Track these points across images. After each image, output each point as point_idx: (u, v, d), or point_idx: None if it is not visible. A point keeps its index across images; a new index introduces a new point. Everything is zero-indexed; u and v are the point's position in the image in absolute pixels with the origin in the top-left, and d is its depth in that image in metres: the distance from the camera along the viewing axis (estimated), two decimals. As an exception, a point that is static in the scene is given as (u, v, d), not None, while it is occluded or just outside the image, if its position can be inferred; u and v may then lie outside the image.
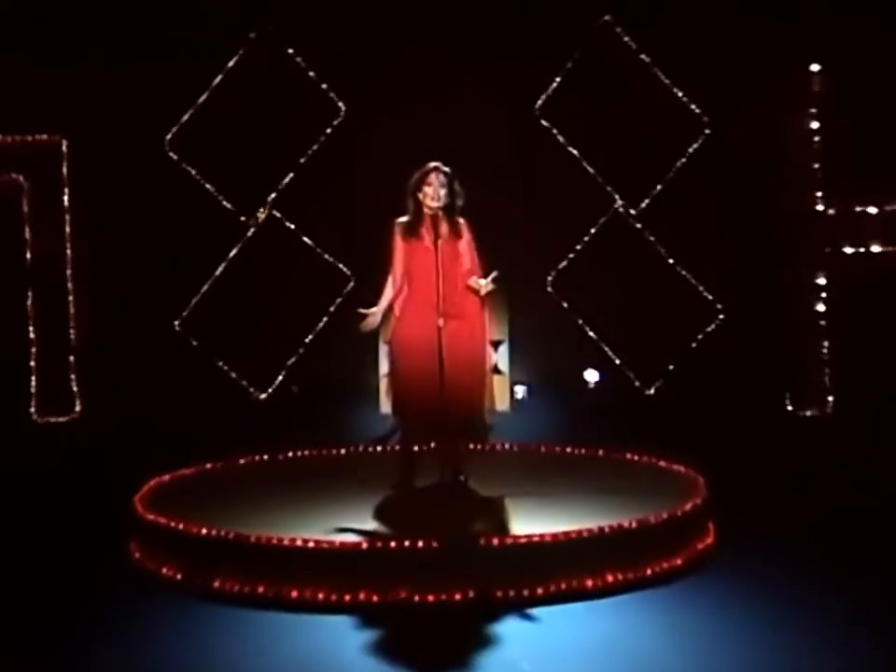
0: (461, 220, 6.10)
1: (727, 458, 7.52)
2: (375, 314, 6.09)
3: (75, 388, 9.84)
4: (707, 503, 5.90)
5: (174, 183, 9.96)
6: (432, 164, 6.05)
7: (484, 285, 5.96)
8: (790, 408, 9.69)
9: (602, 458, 7.17)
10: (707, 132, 10.07)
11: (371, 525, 5.56)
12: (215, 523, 5.42)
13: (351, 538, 5.24)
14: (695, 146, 10.08)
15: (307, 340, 10.24)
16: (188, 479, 6.79)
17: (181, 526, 5.49)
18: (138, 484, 6.39)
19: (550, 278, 10.33)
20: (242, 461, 7.21)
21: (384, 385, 9.02)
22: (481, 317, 6.12)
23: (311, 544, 5.09)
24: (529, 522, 5.46)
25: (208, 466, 7.04)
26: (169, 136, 10.05)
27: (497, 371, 9.55)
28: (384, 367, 8.98)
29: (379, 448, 7.32)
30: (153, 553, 5.65)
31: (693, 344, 10.13)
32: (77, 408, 9.85)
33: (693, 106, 10.08)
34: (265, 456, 7.32)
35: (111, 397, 9.56)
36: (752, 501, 6.71)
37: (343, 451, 7.55)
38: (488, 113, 9.80)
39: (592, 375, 10.46)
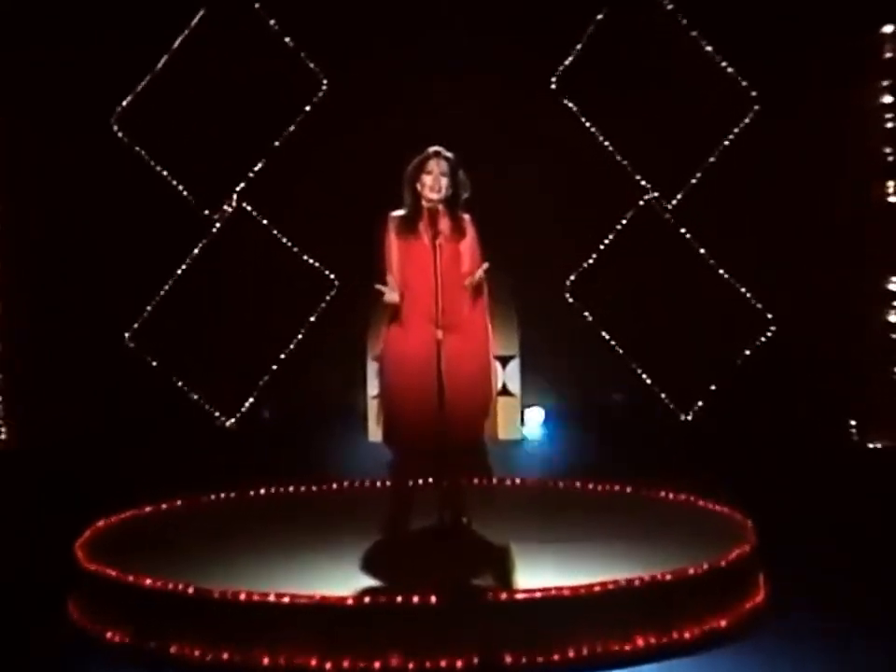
0: (465, 215, 6.10)
1: (780, 498, 7.52)
2: (394, 293, 6.00)
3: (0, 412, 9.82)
4: (756, 552, 5.87)
5: (122, 169, 10.01)
6: (432, 149, 6.03)
7: (476, 280, 5.94)
8: (855, 438, 9.68)
9: (631, 497, 7.15)
10: (756, 109, 10.07)
11: (357, 575, 5.53)
12: (172, 574, 5.36)
13: (334, 592, 5.19)
14: (742, 126, 10.08)
15: (282, 356, 10.26)
16: (139, 521, 6.73)
17: (131, 579, 5.43)
18: (79, 527, 6.33)
19: (568, 283, 10.36)
20: (205, 499, 7.19)
21: (373, 408, 9.00)
22: (487, 329, 6.12)
23: (286, 600, 5.05)
24: (544, 573, 5.44)
25: (164, 505, 6.99)
26: (116, 113, 10.04)
27: (505, 392, 9.59)
28: (373, 387, 8.99)
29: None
30: (96, 611, 5.59)
31: (739, 362, 10.14)
32: (3, 435, 9.82)
33: (739, 79, 10.08)
34: (232, 494, 7.30)
35: (46, 422, 9.52)
36: (810, 549, 6.67)
37: (324, 487, 7.54)
38: (498, 88, 9.86)
39: (618, 398, 10.43)
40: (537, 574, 5.43)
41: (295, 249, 10.27)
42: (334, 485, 7.55)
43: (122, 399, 9.72)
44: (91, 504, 6.85)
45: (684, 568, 5.39)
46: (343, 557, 5.76)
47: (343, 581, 5.39)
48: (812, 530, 7.13)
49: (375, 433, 7.89)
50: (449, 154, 6.03)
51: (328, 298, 10.27)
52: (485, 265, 5.95)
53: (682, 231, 10.26)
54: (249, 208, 10.26)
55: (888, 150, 9.60)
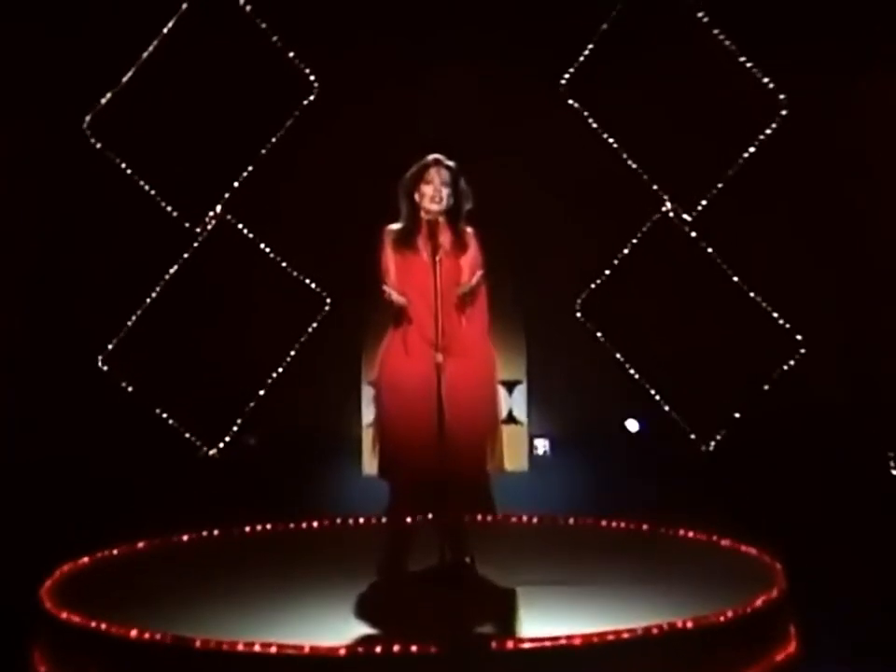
0: (468, 229, 6.11)
1: (811, 537, 7.47)
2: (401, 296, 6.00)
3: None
4: (786, 597, 5.82)
5: (96, 178, 9.98)
6: (432, 157, 6.05)
7: (465, 290, 5.95)
8: (894, 472, 9.63)
9: (647, 535, 7.13)
10: (785, 113, 10.05)
11: (350, 622, 5.50)
12: (148, 622, 5.32)
13: (325, 641, 5.15)
14: (768, 131, 10.06)
15: (269, 380, 10.23)
16: (111, 562, 6.69)
17: (104, 627, 5.39)
18: (46, 570, 6.29)
19: (580, 301, 10.33)
20: (185, 538, 7.14)
21: (368, 437, 8.93)
22: (491, 352, 6.13)
23: (273, 650, 5.01)
24: (553, 619, 5.41)
25: (140, 545, 6.96)
26: (89, 118, 10.03)
27: (511, 420, 9.61)
28: (368, 415, 8.93)
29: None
30: (65, 663, 5.54)
31: (766, 387, 10.10)
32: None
33: (765, 79, 10.06)
34: (215, 532, 7.27)
35: (9, 451, 9.48)
36: (846, 595, 6.63)
37: (314, 524, 7.52)
38: (503, 90, 9.82)
39: (633, 426, 10.40)
40: (545, 621, 5.40)
41: (283, 264, 10.25)
42: (325, 522, 7.53)
43: (94, 426, 9.65)
44: (57, 543, 6.80)
45: (707, 616, 5.34)
46: (334, 602, 5.73)
47: (335, 628, 5.35)
48: (847, 573, 7.04)
49: (370, 465, 7.79)
50: (450, 162, 6.04)
51: (318, 317, 10.23)
52: (479, 272, 5.97)
53: (703, 244, 10.23)
54: (234, 220, 10.22)
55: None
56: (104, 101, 10.09)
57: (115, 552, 6.80)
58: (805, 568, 6.30)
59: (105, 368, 10.12)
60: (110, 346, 10.14)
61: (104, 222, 9.91)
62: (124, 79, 10.07)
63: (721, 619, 5.36)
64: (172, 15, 10.07)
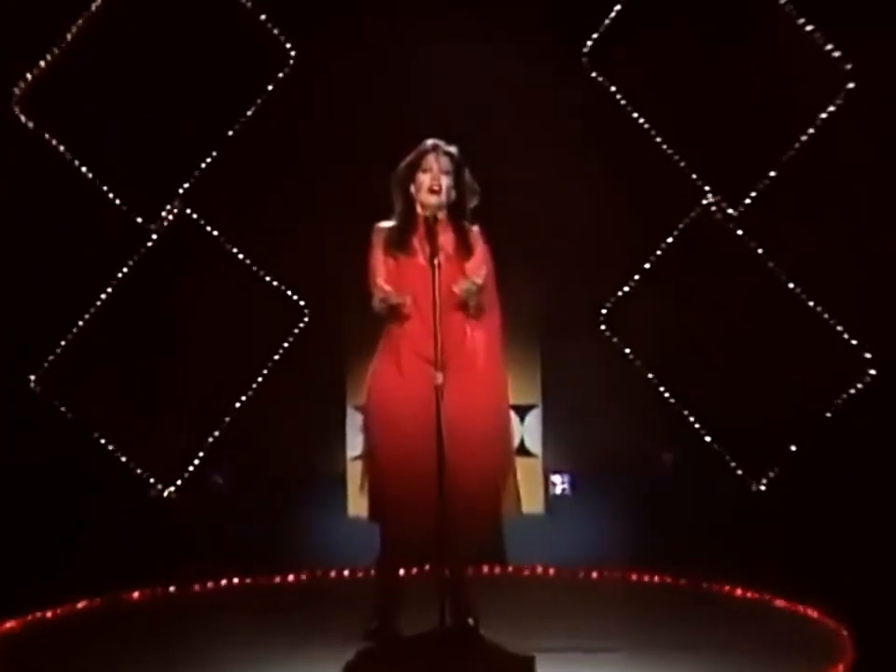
0: (473, 227, 6.15)
1: (885, 597, 7.32)
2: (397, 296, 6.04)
3: None
4: (854, 670, 5.78)
5: (28, 164, 9.93)
6: (430, 142, 6.10)
7: (464, 287, 5.95)
8: None
9: (686, 591, 7.27)
10: (851, 86, 10.00)
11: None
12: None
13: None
14: (831, 109, 10.02)
15: (237, 404, 10.20)
16: (47, 627, 6.74)
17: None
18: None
19: (604, 311, 10.33)
20: (135, 595, 7.23)
21: (354, 473, 8.91)
22: (500, 371, 6.19)
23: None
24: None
25: (80, 605, 7.04)
26: (18, 93, 9.98)
27: (524, 451, 9.58)
28: (355, 446, 8.96)
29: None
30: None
31: (828, 414, 10.04)
32: None
33: (828, 47, 10.01)
34: (170, 588, 7.36)
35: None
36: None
37: (290, 578, 7.64)
38: (513, 63, 9.76)
39: (668, 459, 10.35)
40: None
41: (254, 268, 10.22)
42: (303, 576, 7.68)
43: (22, 459, 9.58)
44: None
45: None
46: (316, 669, 5.80)
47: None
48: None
49: (357, 506, 7.94)
50: (451, 148, 6.09)
51: (295, 330, 10.19)
52: (485, 270, 6.01)
53: (751, 244, 10.18)
54: (195, 215, 10.19)
55: None
56: (36, 72, 10.01)
57: (49, 613, 6.86)
58: (878, 636, 6.24)
59: (38, 389, 10.06)
60: (45, 364, 10.07)
61: (38, 217, 9.84)
62: (60, 47, 10.00)
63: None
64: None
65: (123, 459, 10.12)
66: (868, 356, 10.06)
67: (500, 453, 6.19)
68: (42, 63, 10.01)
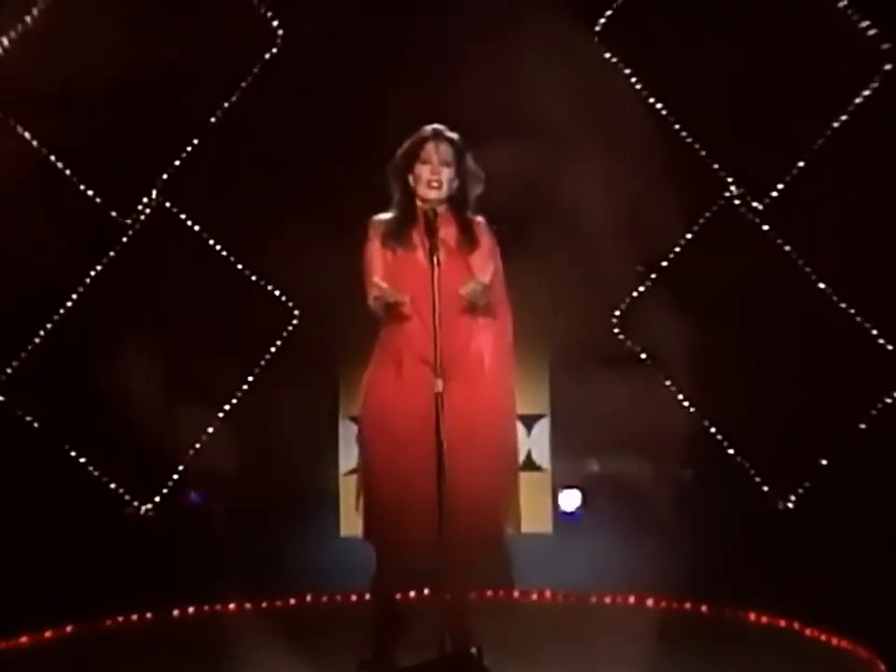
0: (478, 219, 6.09)
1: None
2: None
3: None
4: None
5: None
6: (430, 128, 6.04)
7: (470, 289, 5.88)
8: None
9: (707, 619, 7.19)
10: (889, 68, 9.92)
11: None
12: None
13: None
14: (866, 94, 9.94)
15: (220, 414, 10.19)
16: (15, 656, 6.68)
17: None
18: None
19: (618, 314, 10.32)
20: (108, 623, 7.17)
21: (349, 489, 8.87)
22: (508, 376, 6.13)
23: None
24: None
25: (47, 634, 6.95)
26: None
27: (531, 465, 9.60)
28: (349, 460, 8.98)
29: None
30: None
31: (862, 426, 9.96)
32: None
33: (864, 24, 9.95)
34: (147, 614, 7.30)
35: None
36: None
37: (278, 603, 7.57)
38: (519, 41, 9.69)
39: (688, 475, 10.31)
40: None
41: (239, 266, 10.21)
42: (292, 600, 7.58)
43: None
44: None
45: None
46: None
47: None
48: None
49: (351, 525, 7.91)
50: (453, 135, 6.05)
51: (284, 334, 10.21)
52: (489, 268, 5.94)
53: (778, 240, 10.16)
54: (176, 210, 10.14)
55: None
56: (4, 57, 10.03)
57: (21, 639, 6.83)
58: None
59: (2, 399, 10.05)
60: (9, 370, 10.08)
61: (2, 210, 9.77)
62: (29, 33, 10.03)
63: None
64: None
65: (97, 473, 10.12)
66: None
67: (506, 468, 6.13)
68: (10, 48, 9.95)
